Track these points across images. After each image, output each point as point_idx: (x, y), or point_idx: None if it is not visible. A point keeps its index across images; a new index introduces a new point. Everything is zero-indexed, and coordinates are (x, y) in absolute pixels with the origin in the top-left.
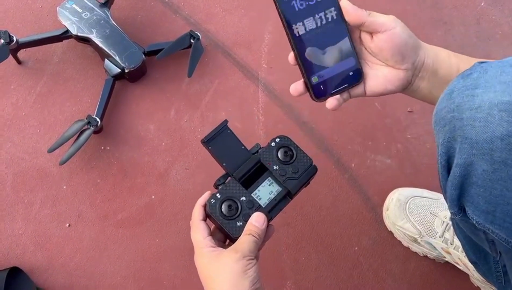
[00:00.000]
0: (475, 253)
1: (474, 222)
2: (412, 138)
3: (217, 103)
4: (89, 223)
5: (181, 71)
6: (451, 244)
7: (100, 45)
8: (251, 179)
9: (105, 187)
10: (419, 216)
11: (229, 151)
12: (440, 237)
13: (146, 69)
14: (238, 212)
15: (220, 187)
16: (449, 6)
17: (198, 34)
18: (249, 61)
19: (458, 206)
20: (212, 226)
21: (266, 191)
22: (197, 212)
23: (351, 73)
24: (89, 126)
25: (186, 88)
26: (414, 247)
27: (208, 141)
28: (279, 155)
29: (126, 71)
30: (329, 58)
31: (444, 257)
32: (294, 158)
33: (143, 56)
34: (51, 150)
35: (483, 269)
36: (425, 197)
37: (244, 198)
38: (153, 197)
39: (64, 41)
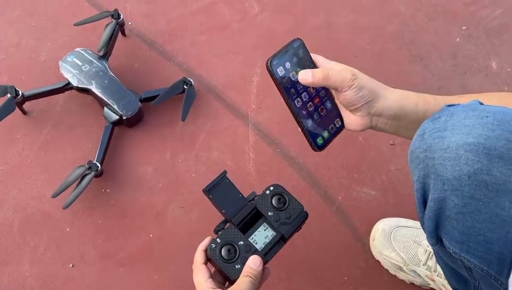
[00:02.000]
0: (457, 281)
1: (451, 251)
2: (395, 169)
3: (210, 144)
4: (92, 263)
5: (176, 115)
6: (435, 271)
7: (99, 95)
8: (248, 225)
9: (106, 227)
10: (403, 245)
11: (228, 199)
12: (423, 265)
13: (143, 115)
14: (237, 256)
15: (220, 233)
16: (426, 43)
17: (191, 80)
18: (239, 103)
19: (436, 237)
20: (213, 269)
21: (262, 235)
22: (199, 256)
23: (338, 125)
24: (90, 171)
25: (181, 131)
26: (401, 275)
27: (209, 191)
28: (273, 202)
29: (124, 118)
30: (322, 117)
31: (429, 284)
32: (287, 204)
33: (139, 103)
34: (55, 195)
35: None
36: (409, 227)
37: (242, 243)
38: (151, 235)
39: (65, 91)
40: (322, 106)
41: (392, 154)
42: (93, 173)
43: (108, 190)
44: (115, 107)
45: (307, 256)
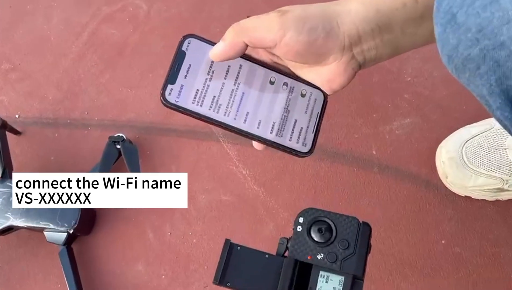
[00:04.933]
0: None
1: None
2: (413, 78)
3: (190, 190)
4: None
5: None
6: None
7: (25, 224)
8: (302, 288)
9: None
10: (487, 161)
11: (254, 272)
12: None
13: (94, 212)
14: None
15: None
16: None
17: (120, 135)
18: (191, 123)
19: None
20: None
21: None
22: None
23: (317, 101)
24: None
25: None
26: (504, 196)
27: (221, 280)
28: (314, 238)
29: (71, 232)
30: (292, 113)
31: None
32: (334, 231)
33: None
34: None
35: None
36: (477, 135)
37: None
38: None
39: None
40: (281, 100)
41: (399, 65)
42: None
43: None
44: (52, 226)
45: (384, 247)
